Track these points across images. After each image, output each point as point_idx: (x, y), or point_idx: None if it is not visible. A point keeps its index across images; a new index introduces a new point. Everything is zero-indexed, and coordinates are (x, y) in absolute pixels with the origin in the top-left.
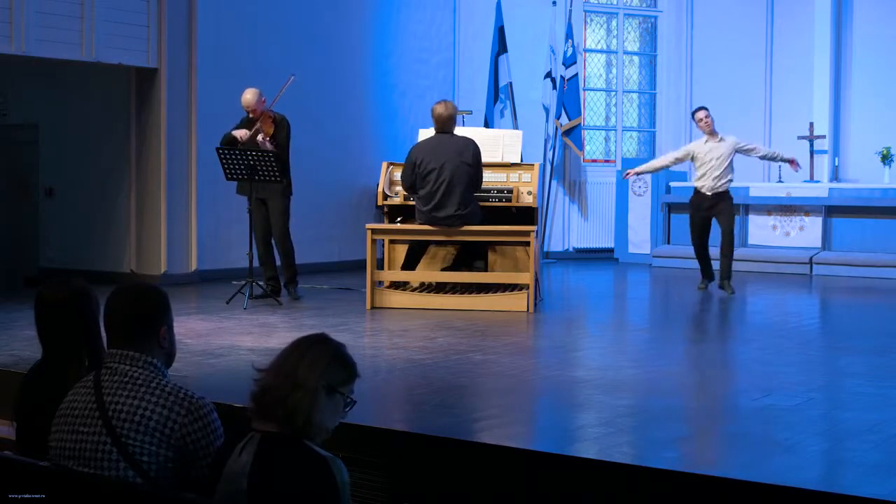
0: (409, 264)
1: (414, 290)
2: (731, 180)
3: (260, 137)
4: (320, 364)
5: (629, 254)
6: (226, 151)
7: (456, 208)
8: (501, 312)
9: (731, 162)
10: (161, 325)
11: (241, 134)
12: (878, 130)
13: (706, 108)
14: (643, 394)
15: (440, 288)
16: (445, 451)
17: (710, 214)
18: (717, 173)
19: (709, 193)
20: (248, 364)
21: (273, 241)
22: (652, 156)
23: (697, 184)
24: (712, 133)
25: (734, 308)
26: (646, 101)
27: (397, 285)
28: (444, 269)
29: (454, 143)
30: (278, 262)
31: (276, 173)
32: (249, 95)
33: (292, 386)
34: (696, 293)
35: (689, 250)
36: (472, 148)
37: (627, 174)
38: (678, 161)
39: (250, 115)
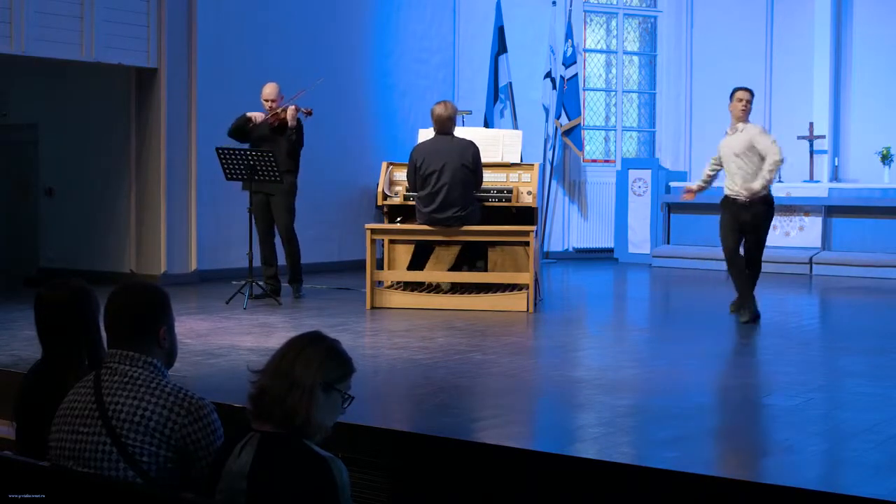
0: (416, 265)
1: (414, 289)
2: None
3: (291, 111)
4: (316, 362)
5: (629, 254)
6: (226, 151)
7: (456, 210)
8: (501, 312)
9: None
10: (161, 325)
11: (256, 116)
12: (878, 130)
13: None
14: (643, 394)
15: (440, 288)
16: (445, 451)
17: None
18: (743, 172)
19: (740, 199)
20: (247, 364)
21: (284, 240)
22: (652, 156)
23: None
24: (740, 119)
25: None
26: (646, 101)
27: (414, 286)
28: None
29: (454, 146)
30: (280, 262)
31: (276, 173)
32: (269, 88)
33: (289, 385)
34: (696, 293)
35: (689, 250)
36: (472, 150)
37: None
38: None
39: (269, 108)
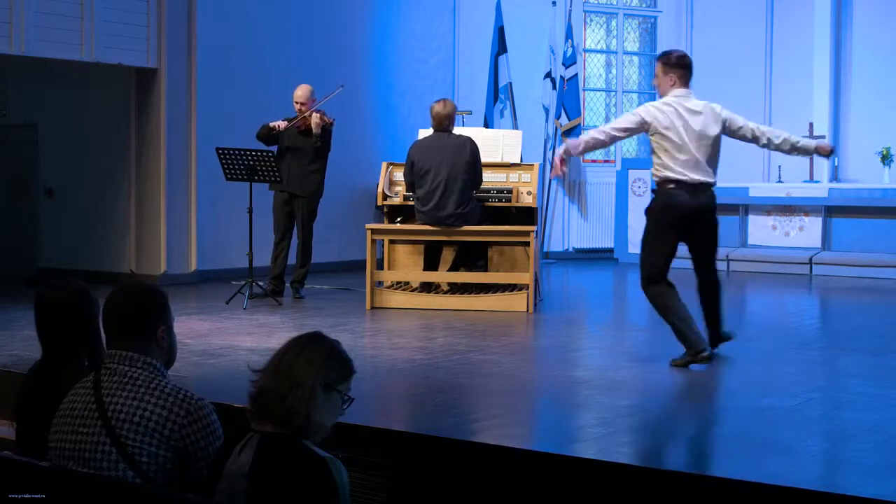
0: (430, 266)
1: (414, 290)
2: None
3: (317, 118)
4: (316, 362)
5: (629, 254)
6: (226, 151)
7: (455, 207)
8: (501, 312)
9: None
10: (159, 325)
11: (278, 124)
12: (878, 130)
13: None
14: (643, 394)
15: (430, 287)
16: (445, 451)
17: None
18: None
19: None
20: (247, 364)
21: (298, 240)
22: (652, 156)
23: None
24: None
25: (734, 308)
26: (646, 101)
27: (429, 287)
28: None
29: (452, 143)
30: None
31: (276, 173)
32: (302, 90)
33: (290, 385)
34: (696, 293)
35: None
36: (469, 146)
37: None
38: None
39: (300, 110)
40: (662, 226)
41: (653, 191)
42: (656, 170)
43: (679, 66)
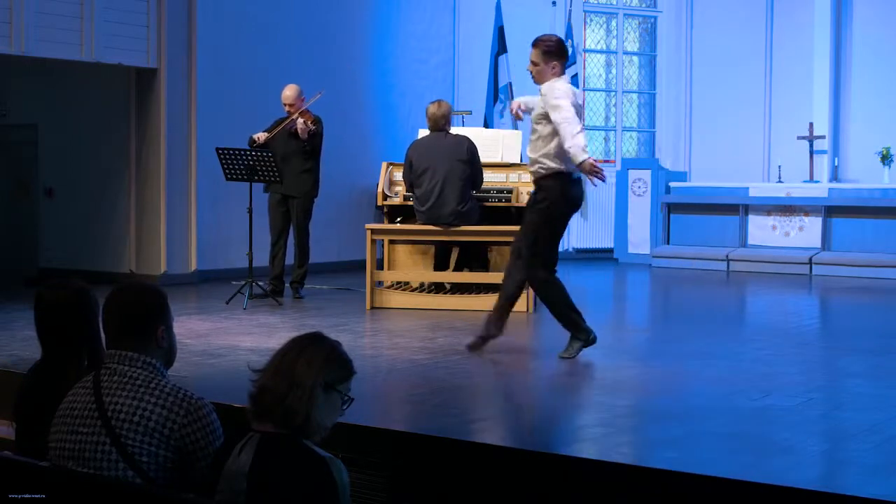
0: (441, 265)
1: (419, 290)
2: (546, 165)
3: (301, 123)
4: (317, 362)
5: (629, 254)
6: (226, 151)
7: (453, 206)
8: None
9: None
10: (159, 325)
11: (258, 136)
12: (878, 130)
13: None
14: (643, 394)
15: (440, 288)
16: (445, 451)
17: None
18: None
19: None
20: (247, 364)
21: (294, 240)
22: (652, 156)
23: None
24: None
25: (734, 308)
26: (645, 101)
27: (438, 287)
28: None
29: (448, 142)
30: (287, 262)
31: (276, 173)
32: (289, 91)
33: (290, 385)
34: (696, 293)
35: (689, 250)
36: (466, 145)
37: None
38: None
39: (288, 111)
40: (567, 218)
41: (550, 177)
42: (553, 159)
43: (563, 54)
